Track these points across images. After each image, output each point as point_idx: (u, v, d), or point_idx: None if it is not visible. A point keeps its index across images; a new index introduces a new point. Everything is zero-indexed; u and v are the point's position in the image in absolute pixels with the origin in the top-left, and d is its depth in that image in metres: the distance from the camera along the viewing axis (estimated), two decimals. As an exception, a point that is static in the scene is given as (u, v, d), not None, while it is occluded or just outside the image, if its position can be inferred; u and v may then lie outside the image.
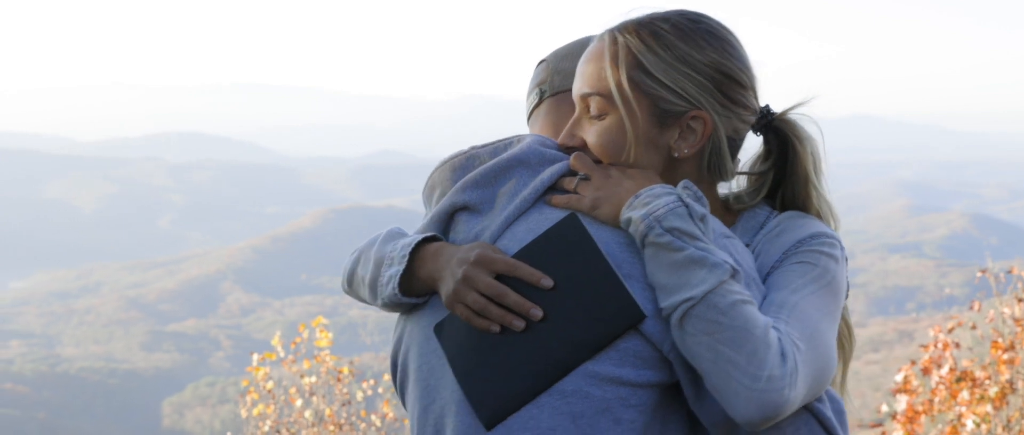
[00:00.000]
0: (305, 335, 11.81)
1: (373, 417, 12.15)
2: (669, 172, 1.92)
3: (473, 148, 1.94)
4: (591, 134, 1.90)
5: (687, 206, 1.76)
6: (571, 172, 1.88)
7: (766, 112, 1.98)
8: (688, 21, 1.90)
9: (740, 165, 2.02)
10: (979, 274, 9.69)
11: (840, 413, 1.88)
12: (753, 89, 1.95)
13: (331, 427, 11.70)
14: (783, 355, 1.71)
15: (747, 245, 1.95)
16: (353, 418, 11.93)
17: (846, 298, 1.94)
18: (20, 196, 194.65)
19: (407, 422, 13.12)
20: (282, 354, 11.87)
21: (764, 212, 2.01)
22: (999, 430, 8.87)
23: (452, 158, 1.96)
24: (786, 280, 1.84)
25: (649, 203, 1.77)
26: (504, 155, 1.89)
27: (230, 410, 49.26)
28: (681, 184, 1.81)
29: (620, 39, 1.89)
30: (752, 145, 2.03)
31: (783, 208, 2.02)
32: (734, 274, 1.74)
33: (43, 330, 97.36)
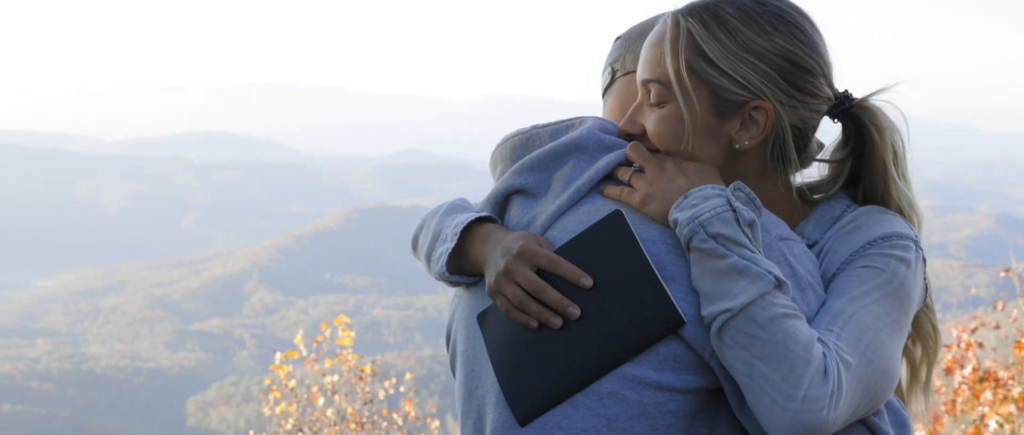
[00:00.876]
0: (327, 334, 11.84)
1: (395, 416, 12.16)
2: (731, 164, 1.82)
3: (534, 127, 1.89)
4: (650, 122, 1.81)
5: (735, 211, 1.67)
6: (628, 161, 1.81)
7: (844, 98, 1.86)
8: (755, 3, 1.78)
9: (822, 152, 1.91)
10: (1003, 274, 9.64)
11: (902, 426, 1.80)
12: (825, 76, 1.81)
13: (353, 426, 11.73)
14: (825, 373, 1.63)
15: (815, 243, 1.85)
16: (375, 417, 11.95)
17: (926, 299, 1.85)
18: (47, 196, 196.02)
19: (429, 421, 13.18)
20: (305, 353, 11.90)
21: (842, 205, 1.89)
22: (1022, 430, 8.83)
23: (513, 136, 1.90)
24: (848, 286, 1.74)
25: (696, 205, 1.68)
26: (562, 139, 1.82)
27: (254, 409, 49.45)
28: (733, 185, 1.71)
29: (682, 23, 1.78)
30: (834, 129, 1.92)
31: (863, 201, 1.90)
32: (779, 285, 1.65)
33: (69, 329, 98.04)
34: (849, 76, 1.83)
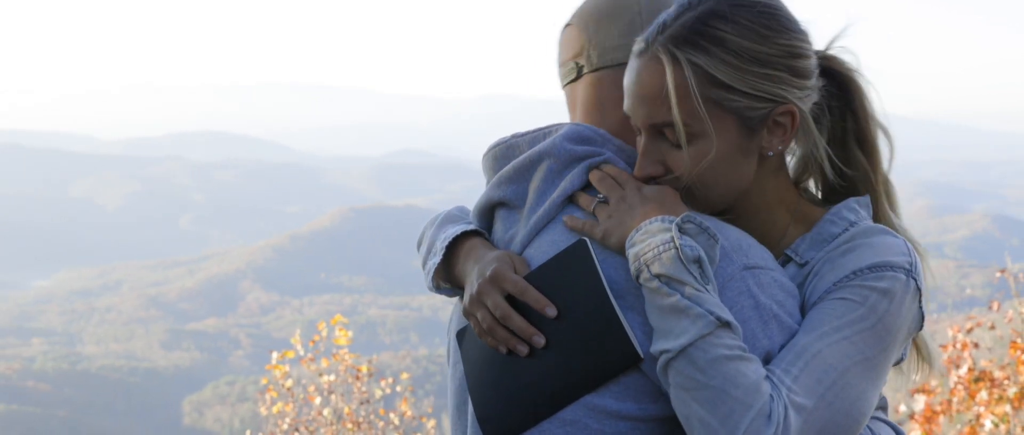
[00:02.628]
0: (324, 334, 11.83)
1: (391, 415, 12.16)
2: (761, 172, 1.79)
3: (514, 136, 1.88)
4: (681, 163, 1.73)
5: (677, 249, 1.61)
6: (601, 165, 1.80)
7: (822, 56, 1.82)
8: (737, 8, 1.71)
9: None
10: (998, 275, 9.65)
11: None
12: (812, 54, 1.77)
13: (349, 425, 11.72)
14: (768, 418, 1.57)
15: (806, 263, 1.78)
16: (371, 416, 11.95)
17: (919, 330, 1.77)
18: (45, 195, 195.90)
19: (425, 420, 13.18)
20: (301, 352, 11.90)
21: (843, 222, 1.81)
22: (1018, 430, 8.83)
23: (495, 146, 1.89)
24: (819, 320, 1.67)
25: (643, 241, 1.64)
26: (535, 148, 1.81)
27: (250, 408, 49.41)
28: (683, 217, 1.65)
29: (681, 57, 1.69)
30: None
31: (843, 160, 1.86)
32: (724, 325, 1.60)
33: (65, 328, 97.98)
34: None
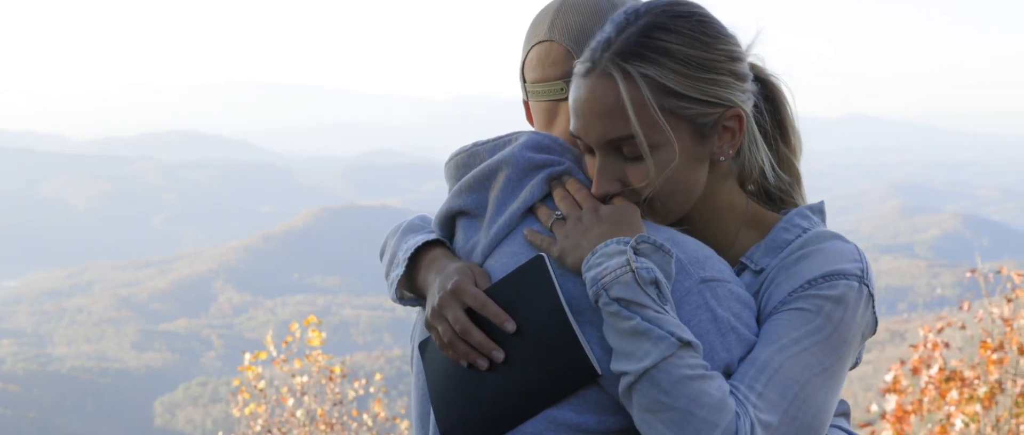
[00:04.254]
0: (297, 334, 11.79)
1: (365, 416, 12.14)
2: (712, 176, 1.83)
3: (475, 145, 1.88)
4: (640, 175, 1.75)
5: (634, 272, 1.62)
6: (561, 176, 1.81)
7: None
8: (675, 19, 1.75)
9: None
10: (969, 274, 9.71)
11: None
12: (744, 58, 1.82)
13: (322, 426, 11.69)
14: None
15: (762, 270, 1.81)
16: (344, 417, 11.92)
17: (872, 334, 1.80)
18: (14, 195, 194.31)
19: (398, 421, 13.15)
20: (274, 353, 11.86)
21: (796, 229, 1.84)
22: (988, 430, 8.88)
23: (457, 154, 1.90)
24: (777, 332, 1.70)
25: (599, 264, 1.65)
26: (495, 157, 1.82)
27: (222, 409, 49.19)
28: (637, 238, 1.67)
29: (632, 71, 1.72)
30: None
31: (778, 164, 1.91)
32: (685, 345, 1.61)
33: (34, 329, 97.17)
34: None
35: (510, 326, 1.71)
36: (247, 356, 11.87)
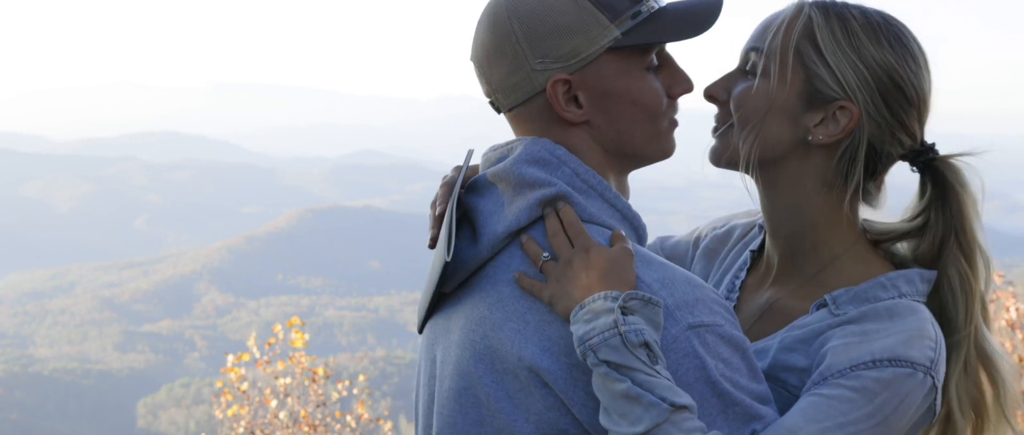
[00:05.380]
0: (280, 336, 11.77)
1: (348, 418, 12.11)
2: (799, 157, 1.80)
3: (491, 149, 1.81)
4: (737, 88, 1.80)
5: (622, 335, 1.55)
6: (554, 200, 1.69)
7: (929, 147, 1.82)
8: (881, 19, 1.77)
9: (904, 211, 1.89)
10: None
11: None
12: (918, 111, 1.79)
13: (306, 428, 11.66)
14: None
15: (838, 314, 1.76)
16: (328, 419, 11.89)
17: (927, 426, 1.73)
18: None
19: (381, 423, 13.13)
20: (257, 355, 11.83)
21: (893, 291, 1.78)
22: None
23: (484, 154, 1.84)
24: (824, 411, 1.63)
25: (588, 322, 1.58)
26: (492, 169, 1.74)
27: (205, 411, 49.09)
28: (626, 295, 1.59)
29: (806, 10, 1.78)
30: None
31: (935, 254, 1.83)
32: (679, 409, 1.55)
33: (16, 330, 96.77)
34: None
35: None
36: (231, 358, 11.84)
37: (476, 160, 1.85)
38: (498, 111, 1.78)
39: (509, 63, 1.69)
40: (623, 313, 1.58)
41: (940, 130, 1.79)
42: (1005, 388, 1.84)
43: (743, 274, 1.97)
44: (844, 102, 1.75)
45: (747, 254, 1.99)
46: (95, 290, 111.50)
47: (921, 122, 1.81)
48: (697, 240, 2.13)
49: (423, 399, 1.84)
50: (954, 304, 1.81)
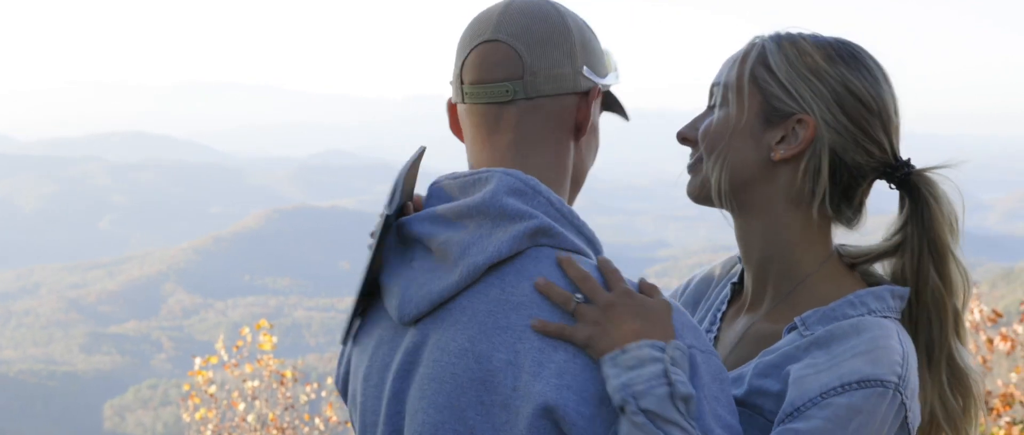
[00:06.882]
0: (248, 338, 11.74)
1: (317, 420, 12.10)
2: (766, 179, 1.82)
3: (447, 177, 1.76)
4: (703, 124, 1.86)
5: (671, 386, 1.55)
6: (536, 233, 1.66)
7: (904, 163, 1.84)
8: (835, 41, 1.83)
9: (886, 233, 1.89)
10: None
11: None
12: (882, 121, 1.80)
13: (274, 431, 11.65)
14: None
15: (808, 334, 1.76)
16: (296, 421, 11.88)
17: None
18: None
19: (350, 426, 13.12)
20: (225, 358, 11.80)
21: (861, 308, 1.78)
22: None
23: (432, 185, 1.78)
24: None
25: (632, 369, 1.56)
26: (467, 201, 1.69)
27: (172, 412, 48.81)
28: (672, 344, 1.59)
29: (758, 42, 1.84)
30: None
31: (914, 272, 1.83)
32: None
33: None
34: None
35: None
36: (198, 361, 11.80)
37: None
38: (486, 102, 1.75)
39: (561, 55, 1.73)
40: (671, 363, 1.58)
41: (905, 129, 1.81)
42: (976, 407, 1.85)
43: (724, 306, 1.98)
44: (801, 115, 1.77)
45: (728, 287, 2.00)
46: (60, 291, 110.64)
47: (888, 132, 1.81)
48: (686, 285, 2.13)
49: (368, 420, 1.77)
50: (928, 320, 1.82)
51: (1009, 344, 9.19)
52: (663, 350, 1.58)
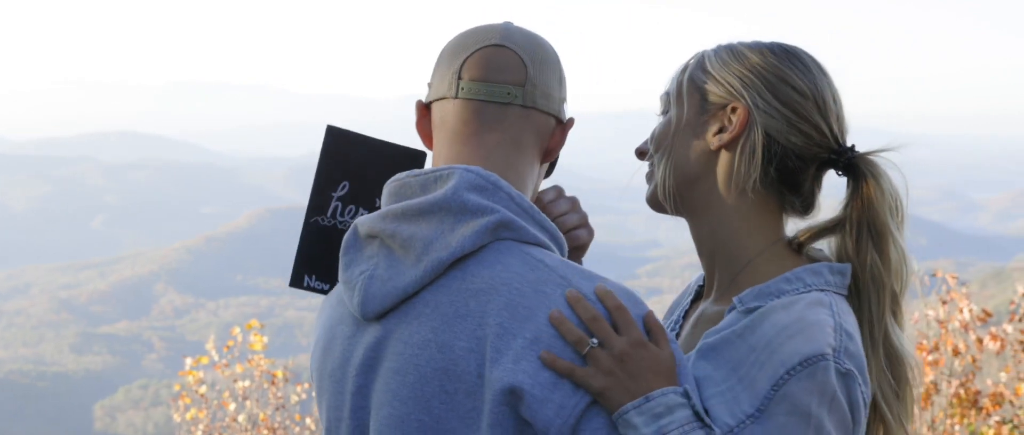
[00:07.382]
0: (239, 338, 11.72)
1: (308, 420, 12.08)
2: (709, 170, 1.87)
3: (408, 175, 1.78)
4: (658, 130, 1.94)
5: (706, 428, 1.62)
6: (498, 227, 1.71)
7: (847, 149, 1.88)
8: (772, 42, 1.90)
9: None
10: (906, 276, 9.82)
11: None
12: (817, 104, 1.84)
13: (265, 431, 11.62)
14: None
15: (748, 310, 1.79)
16: (287, 421, 11.86)
17: (868, 395, 1.77)
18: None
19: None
20: (216, 358, 11.78)
21: (798, 284, 1.81)
22: (924, 431, 9.01)
23: (391, 182, 1.81)
24: None
25: (661, 416, 1.61)
26: (429, 197, 1.73)
27: (163, 412, 48.72)
28: (684, 389, 1.67)
29: (701, 51, 1.94)
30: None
31: (854, 253, 1.86)
32: None
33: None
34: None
35: None
36: (189, 361, 11.78)
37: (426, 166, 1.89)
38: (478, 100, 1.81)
39: (554, 79, 1.85)
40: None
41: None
42: (910, 395, 1.87)
43: (687, 305, 2.04)
44: (733, 103, 1.83)
45: (695, 289, 2.07)
46: (52, 291, 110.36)
47: (825, 116, 1.85)
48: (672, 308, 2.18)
49: (333, 416, 1.80)
50: (867, 297, 1.84)
51: (999, 343, 9.20)
52: (687, 396, 1.64)
